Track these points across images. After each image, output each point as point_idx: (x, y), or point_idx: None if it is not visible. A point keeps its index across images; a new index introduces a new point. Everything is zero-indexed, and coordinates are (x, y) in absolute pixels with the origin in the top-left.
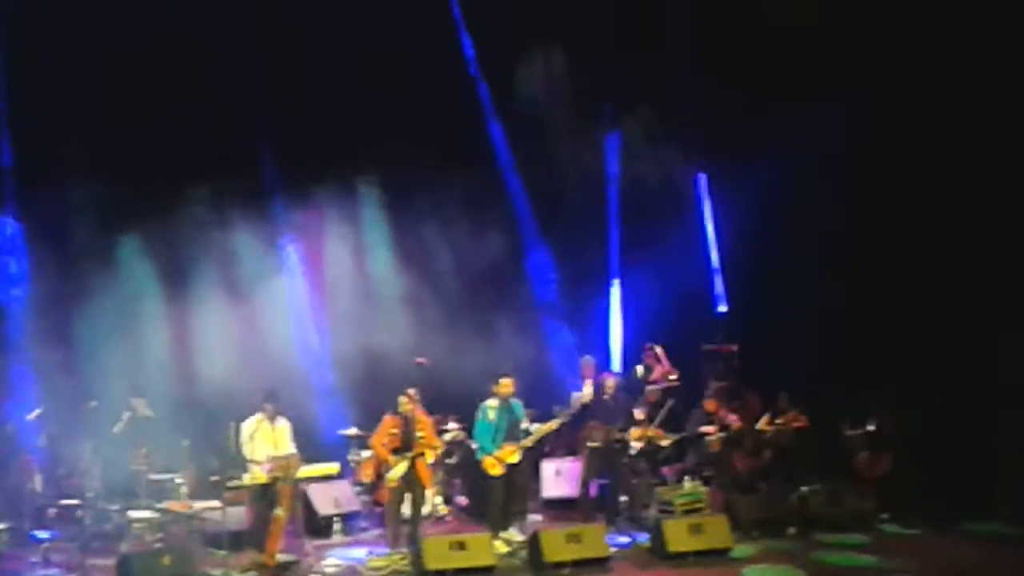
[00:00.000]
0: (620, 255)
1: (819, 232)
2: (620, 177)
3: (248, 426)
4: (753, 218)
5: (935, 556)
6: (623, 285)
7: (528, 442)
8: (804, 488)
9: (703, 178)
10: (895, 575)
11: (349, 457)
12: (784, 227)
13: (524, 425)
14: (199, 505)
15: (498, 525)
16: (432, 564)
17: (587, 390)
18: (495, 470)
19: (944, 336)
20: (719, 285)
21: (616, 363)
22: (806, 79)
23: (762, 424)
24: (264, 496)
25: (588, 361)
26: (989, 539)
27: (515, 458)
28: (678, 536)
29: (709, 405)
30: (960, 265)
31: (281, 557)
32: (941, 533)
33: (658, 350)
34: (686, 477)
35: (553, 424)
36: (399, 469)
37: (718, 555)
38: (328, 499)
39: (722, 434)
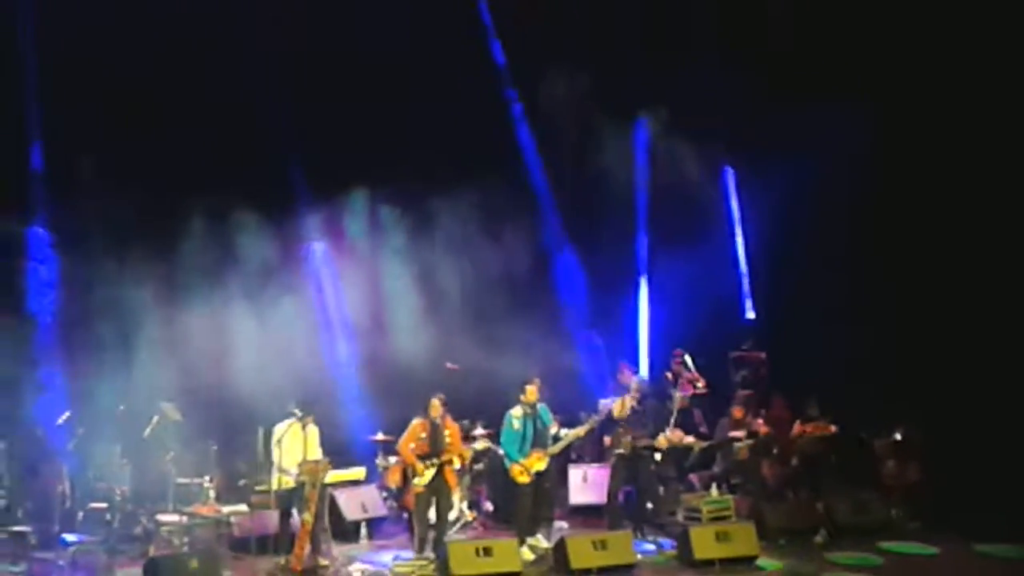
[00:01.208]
0: (648, 260)
1: (848, 235)
2: (648, 178)
3: (278, 431)
4: (781, 219)
5: None
6: (651, 291)
7: (555, 449)
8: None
9: (731, 174)
10: None
11: (377, 462)
12: (812, 229)
13: (553, 430)
14: (227, 509)
15: (525, 531)
16: (458, 570)
17: (625, 399)
18: (523, 478)
19: (977, 343)
20: (747, 291)
21: (644, 369)
22: (835, 75)
23: (794, 431)
24: (291, 501)
25: (627, 368)
26: (1007, 561)
27: (542, 465)
28: (704, 543)
29: (737, 412)
30: (995, 269)
31: (307, 562)
32: (957, 554)
33: (686, 357)
34: (713, 484)
35: (581, 430)
36: (427, 475)
37: (745, 563)
38: (355, 504)
39: (750, 441)
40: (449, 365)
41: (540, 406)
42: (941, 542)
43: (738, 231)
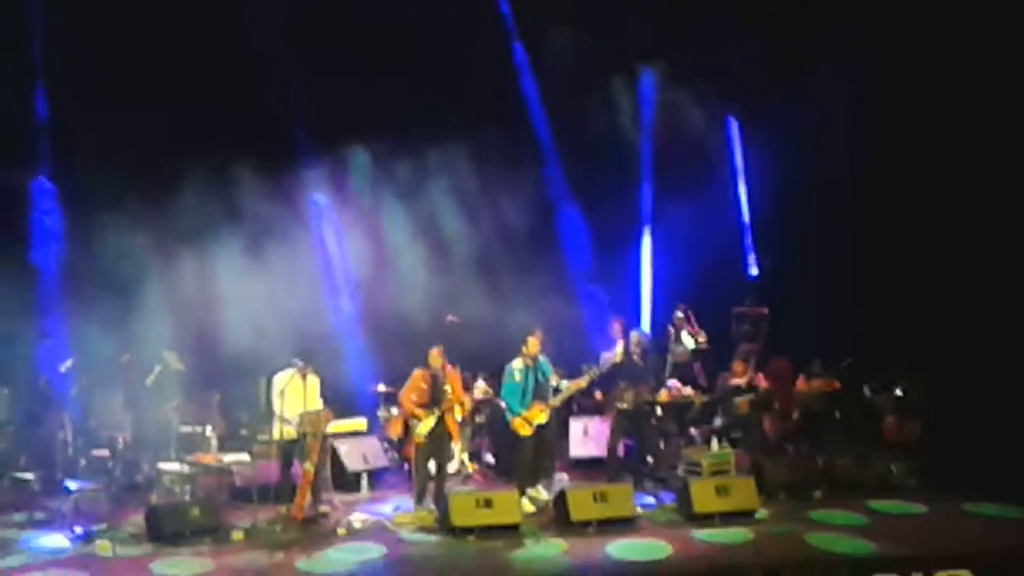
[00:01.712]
0: (651, 213)
1: (851, 187)
2: (652, 129)
3: (279, 381)
4: (785, 170)
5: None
6: (654, 245)
7: (556, 401)
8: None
9: (735, 125)
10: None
11: (378, 414)
12: (816, 180)
13: (553, 382)
14: (228, 458)
15: (525, 483)
16: (458, 521)
17: (618, 350)
18: (524, 431)
19: (981, 298)
20: (750, 246)
21: (646, 323)
22: (839, 24)
23: (797, 386)
24: (293, 451)
25: (618, 321)
26: (992, 520)
27: (543, 418)
28: (704, 497)
29: (738, 367)
30: (1001, 224)
31: (308, 511)
32: (944, 513)
33: (688, 312)
34: (714, 438)
35: (582, 381)
36: (426, 425)
37: (744, 516)
38: (356, 455)
39: (750, 396)
40: (450, 318)
41: (541, 359)
42: (931, 500)
43: (741, 183)
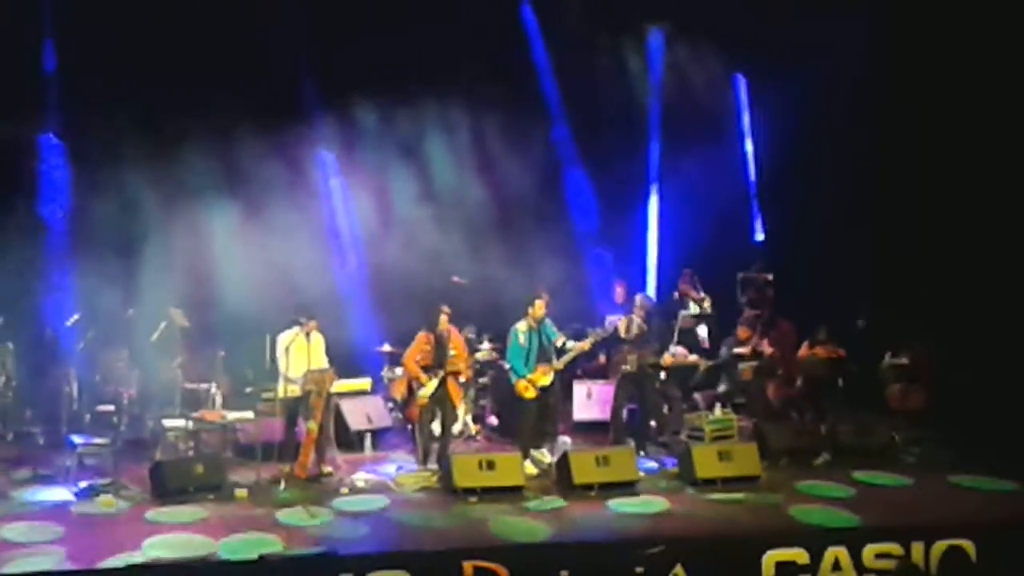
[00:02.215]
0: (659, 175)
1: (860, 153)
2: (660, 89)
3: (283, 339)
4: (793, 133)
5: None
6: (661, 207)
7: (561, 364)
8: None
9: (742, 82)
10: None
11: (382, 373)
12: (823, 145)
13: (559, 342)
14: (233, 416)
15: (528, 446)
16: (461, 482)
17: (623, 324)
18: (528, 393)
19: (990, 263)
20: (757, 210)
21: (651, 288)
22: None
23: (801, 353)
24: (297, 409)
25: (621, 285)
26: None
27: (547, 380)
28: (707, 462)
29: (742, 332)
30: (1015, 186)
31: (312, 470)
32: (931, 485)
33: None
34: (717, 404)
35: (586, 343)
36: (430, 386)
37: (746, 482)
38: (360, 414)
39: (755, 362)
40: (455, 279)
41: (546, 322)
42: (931, 470)
43: (748, 143)
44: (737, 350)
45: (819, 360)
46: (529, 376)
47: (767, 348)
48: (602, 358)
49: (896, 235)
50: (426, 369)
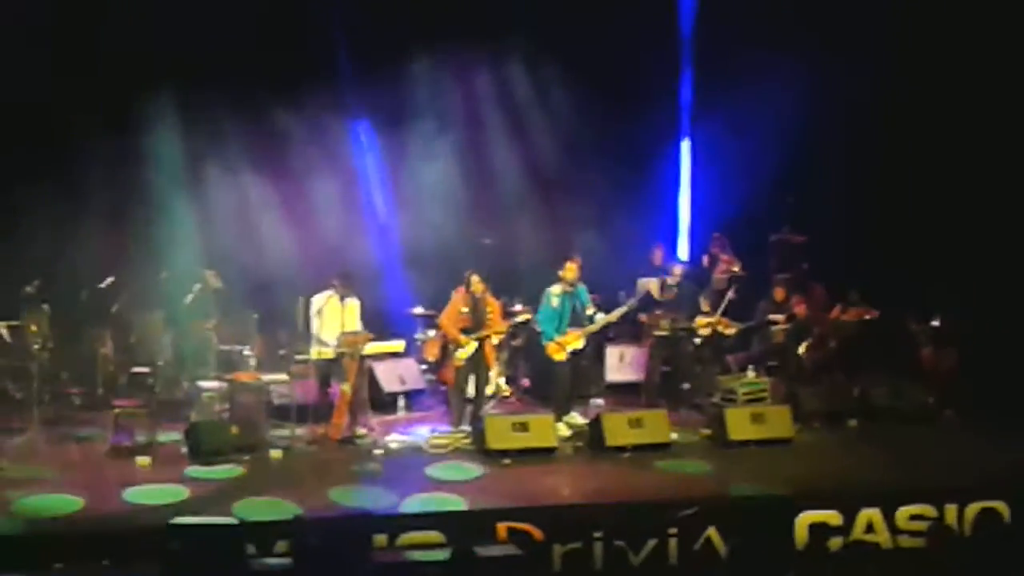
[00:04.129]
0: (692, 136)
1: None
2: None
3: (317, 301)
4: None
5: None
6: (693, 169)
7: (592, 328)
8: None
9: None
10: None
11: (416, 336)
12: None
13: (589, 311)
14: (267, 377)
15: (561, 408)
16: (494, 444)
17: (654, 286)
18: (559, 355)
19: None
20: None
21: (683, 251)
22: None
23: (833, 314)
24: (331, 371)
25: (659, 248)
26: None
27: (579, 344)
28: (739, 424)
29: (778, 294)
30: None
31: (345, 432)
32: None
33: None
34: (750, 366)
35: (615, 315)
36: (468, 349)
37: (779, 444)
38: (393, 376)
39: (787, 325)
40: (487, 241)
41: (579, 286)
42: (951, 434)
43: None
44: (772, 317)
45: (852, 322)
46: (559, 339)
47: (801, 310)
48: (644, 318)
49: (931, 201)
50: (464, 332)
